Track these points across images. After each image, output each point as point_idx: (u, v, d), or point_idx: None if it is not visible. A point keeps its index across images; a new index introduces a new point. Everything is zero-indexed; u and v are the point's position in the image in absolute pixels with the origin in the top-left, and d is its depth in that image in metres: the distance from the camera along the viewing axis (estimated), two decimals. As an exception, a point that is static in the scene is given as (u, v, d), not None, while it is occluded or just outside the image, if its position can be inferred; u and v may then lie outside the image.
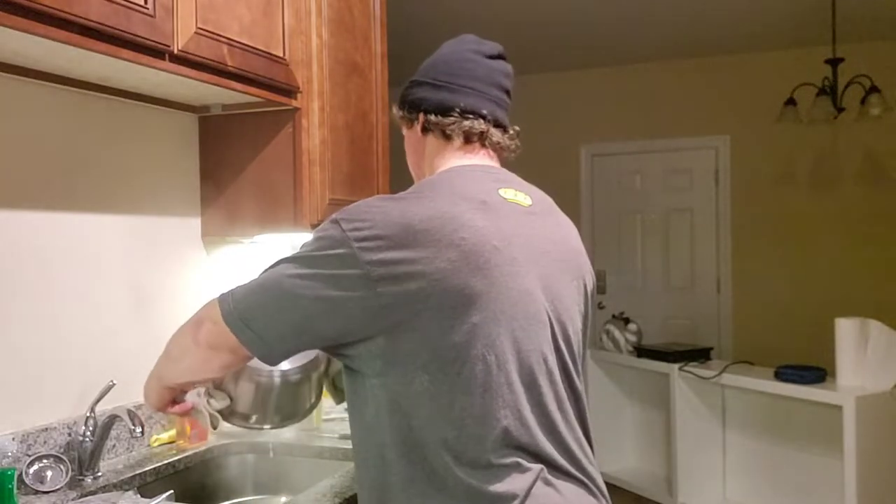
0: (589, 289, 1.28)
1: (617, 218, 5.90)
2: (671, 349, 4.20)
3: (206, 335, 1.24)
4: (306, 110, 2.02)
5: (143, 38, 1.46)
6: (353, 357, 1.10)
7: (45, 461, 1.59)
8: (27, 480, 1.55)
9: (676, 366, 4.05)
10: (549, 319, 1.14)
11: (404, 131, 1.35)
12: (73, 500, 1.55)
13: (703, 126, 5.60)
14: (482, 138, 1.26)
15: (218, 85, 1.73)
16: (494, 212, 1.13)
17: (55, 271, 1.72)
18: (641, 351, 4.36)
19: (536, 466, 1.08)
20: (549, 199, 1.30)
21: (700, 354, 4.15)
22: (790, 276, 5.36)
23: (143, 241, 1.96)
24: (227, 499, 1.95)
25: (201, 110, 2.11)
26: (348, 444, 1.93)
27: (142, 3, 1.45)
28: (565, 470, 1.12)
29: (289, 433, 2.02)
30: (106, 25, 1.37)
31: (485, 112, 1.25)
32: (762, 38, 5.06)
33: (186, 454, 1.87)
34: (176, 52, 1.56)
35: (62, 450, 1.65)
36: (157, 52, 1.52)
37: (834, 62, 4.21)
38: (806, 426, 3.69)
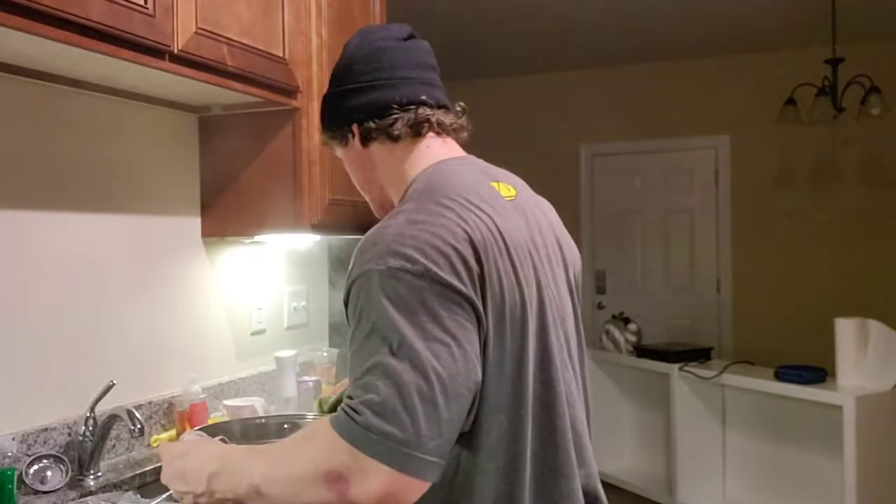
0: (575, 274, 1.19)
1: (617, 218, 5.90)
2: (671, 349, 4.20)
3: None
4: (306, 110, 2.02)
5: (143, 38, 1.46)
6: None
7: (45, 461, 1.59)
8: (27, 480, 1.55)
9: (676, 366, 4.05)
10: (555, 317, 1.08)
11: (339, 152, 1.22)
12: (73, 500, 1.55)
13: (703, 126, 5.60)
14: (432, 126, 1.13)
15: (218, 85, 1.72)
16: (500, 210, 1.05)
17: (55, 271, 1.72)
18: (641, 351, 4.36)
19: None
20: (526, 185, 1.19)
21: (700, 354, 4.15)
22: (790, 276, 5.36)
23: (143, 241, 1.96)
24: (227, 499, 1.94)
25: (201, 110, 2.11)
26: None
27: (142, 3, 1.45)
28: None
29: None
30: (106, 25, 1.37)
31: (423, 97, 1.13)
32: (762, 38, 5.06)
33: (186, 454, 1.87)
34: (176, 52, 1.55)
35: (62, 450, 1.65)
36: (157, 52, 1.52)
37: (834, 62, 4.21)
38: (806, 426, 3.69)
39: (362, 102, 1.13)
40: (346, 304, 0.99)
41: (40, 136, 1.69)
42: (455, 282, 0.92)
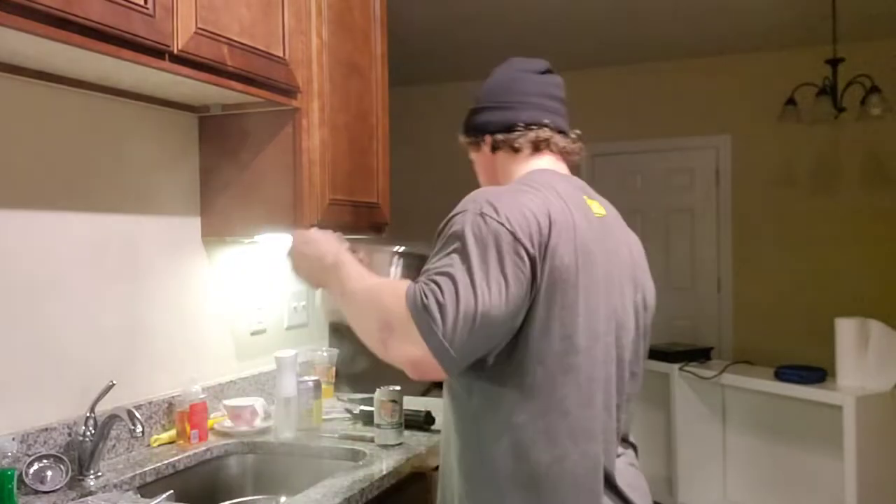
0: (644, 296, 1.38)
1: (617, 218, 5.90)
2: (671, 349, 4.20)
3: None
4: (306, 110, 2.02)
5: (143, 38, 1.46)
6: None
7: (45, 461, 1.59)
8: (27, 480, 1.55)
9: (676, 366, 4.05)
10: (616, 323, 1.27)
11: (472, 155, 1.47)
12: (73, 500, 1.55)
13: (704, 126, 5.60)
14: (548, 145, 1.38)
15: (218, 85, 1.73)
16: (588, 217, 1.27)
17: (55, 271, 1.72)
18: (641, 351, 4.35)
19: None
20: (616, 212, 1.42)
21: (700, 354, 4.15)
22: (790, 276, 5.36)
23: (143, 241, 1.96)
24: (227, 499, 1.95)
25: (201, 110, 2.11)
26: (348, 445, 1.93)
27: (142, 3, 1.45)
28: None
29: (289, 433, 2.02)
30: (106, 25, 1.37)
31: (546, 121, 1.39)
32: (762, 38, 5.06)
33: (186, 454, 1.87)
34: (176, 52, 1.56)
35: (62, 450, 1.65)
36: (157, 52, 1.52)
37: (834, 62, 4.20)
38: (806, 426, 3.69)
39: (495, 119, 1.40)
40: (439, 232, 1.22)
41: (40, 136, 1.69)
42: (525, 240, 1.15)
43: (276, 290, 2.47)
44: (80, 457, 1.66)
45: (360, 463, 1.79)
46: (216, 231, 2.14)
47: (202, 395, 1.97)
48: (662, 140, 5.74)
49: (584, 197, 1.33)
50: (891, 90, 4.35)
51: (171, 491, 1.64)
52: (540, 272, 1.16)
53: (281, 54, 1.89)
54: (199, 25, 1.61)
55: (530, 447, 1.20)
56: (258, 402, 2.08)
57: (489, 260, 1.13)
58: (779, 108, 4.48)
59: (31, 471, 1.56)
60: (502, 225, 1.15)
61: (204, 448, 1.92)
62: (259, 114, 2.03)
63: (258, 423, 2.06)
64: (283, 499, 1.89)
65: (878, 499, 3.25)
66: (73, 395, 1.72)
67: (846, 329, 3.31)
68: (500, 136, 1.39)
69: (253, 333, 2.35)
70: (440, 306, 1.11)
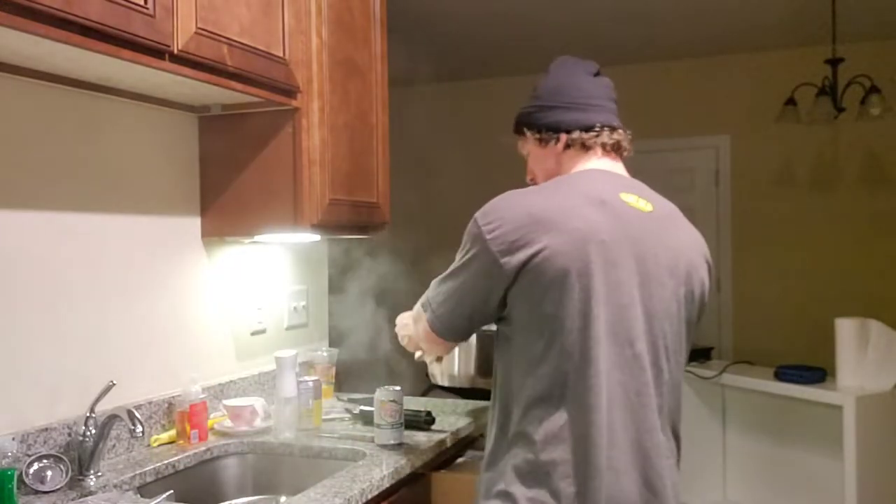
0: (696, 295, 1.45)
1: (617, 218, 5.90)
2: (671, 349, 4.19)
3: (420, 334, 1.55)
4: (306, 110, 2.02)
5: (143, 38, 1.46)
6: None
7: (45, 461, 1.59)
8: (27, 480, 1.55)
9: (676, 366, 4.04)
10: (642, 314, 1.33)
11: (533, 149, 1.54)
12: (73, 500, 1.55)
13: (704, 126, 5.59)
14: (615, 146, 1.49)
15: (218, 85, 1.73)
16: (610, 210, 1.34)
17: (55, 271, 1.72)
18: (641, 351, 4.35)
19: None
20: (675, 210, 1.52)
21: (700, 354, 4.14)
22: (790, 276, 5.35)
23: (143, 241, 1.96)
24: (227, 499, 1.95)
25: (201, 110, 2.11)
26: (348, 445, 1.93)
27: (142, 3, 1.45)
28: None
29: (289, 433, 2.02)
30: (106, 25, 1.37)
31: (615, 124, 1.51)
32: (762, 38, 5.05)
33: (186, 454, 1.87)
34: (176, 52, 1.56)
35: (62, 450, 1.65)
36: (157, 52, 1.52)
37: (834, 62, 4.20)
38: (806, 426, 3.68)
39: (570, 118, 1.48)
40: None
41: (40, 136, 1.69)
42: (495, 240, 1.30)
43: (276, 290, 2.47)
44: (80, 457, 1.66)
45: (360, 463, 1.79)
46: (216, 231, 2.14)
47: (202, 395, 1.97)
48: (662, 140, 5.73)
49: (622, 194, 1.40)
50: (890, 90, 4.34)
51: (171, 491, 1.64)
52: (513, 267, 1.30)
53: (281, 54, 1.89)
54: (199, 25, 1.61)
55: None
56: (258, 402, 2.08)
57: (461, 265, 1.38)
58: (778, 108, 4.48)
59: (31, 471, 1.56)
60: (484, 229, 1.32)
61: (204, 448, 1.92)
62: (259, 114, 2.03)
63: (258, 423, 2.06)
64: (283, 499, 1.89)
65: (878, 499, 3.25)
66: (73, 395, 1.72)
67: (846, 329, 3.31)
68: (575, 136, 1.47)
69: (253, 333, 2.35)
70: (435, 304, 1.47)
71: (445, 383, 2.01)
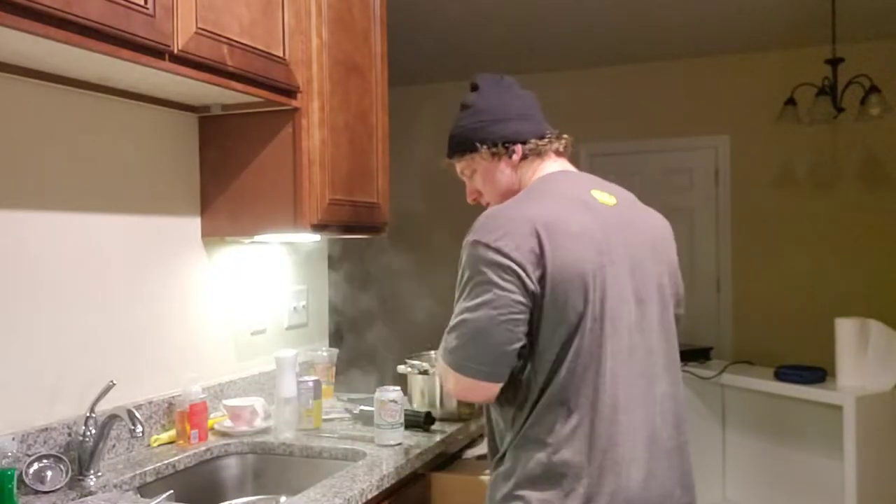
0: (672, 273, 1.48)
1: (617, 218, 5.90)
2: (671, 349, 4.19)
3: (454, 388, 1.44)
4: (306, 110, 2.02)
5: (142, 37, 1.46)
6: None
7: (45, 461, 1.60)
8: (27, 480, 1.55)
9: (676, 366, 4.04)
10: (635, 305, 1.36)
11: (486, 165, 1.52)
12: (73, 500, 1.55)
13: (703, 126, 5.59)
14: (566, 149, 1.55)
15: (218, 85, 1.73)
16: (594, 210, 1.38)
17: (55, 271, 1.72)
18: (641, 351, 4.35)
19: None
20: (632, 196, 1.53)
21: (700, 354, 4.14)
22: (790, 276, 5.35)
23: (143, 241, 1.96)
24: (227, 499, 1.95)
25: (201, 110, 2.11)
26: (348, 445, 1.93)
27: (142, 2, 1.45)
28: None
29: (289, 433, 2.02)
30: (106, 25, 1.37)
31: (557, 130, 1.55)
32: (762, 38, 5.06)
33: (186, 454, 1.87)
34: (176, 52, 1.56)
35: (62, 450, 1.65)
36: (156, 52, 1.52)
37: (834, 62, 4.20)
38: (806, 426, 3.68)
39: (525, 129, 1.50)
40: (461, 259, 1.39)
41: (40, 135, 1.69)
42: (514, 253, 1.28)
43: (276, 290, 2.47)
44: (80, 457, 1.66)
45: (360, 463, 1.79)
46: (216, 231, 2.14)
47: (202, 395, 1.97)
48: (661, 140, 5.73)
49: (592, 191, 1.43)
50: (890, 90, 4.35)
51: (171, 491, 1.64)
52: (538, 277, 1.29)
53: (281, 54, 1.89)
54: (199, 25, 1.61)
55: None
56: (258, 402, 2.08)
57: (476, 287, 1.31)
58: (778, 108, 4.48)
59: (31, 471, 1.56)
60: (488, 249, 1.30)
61: (204, 448, 1.92)
62: (259, 114, 2.03)
63: (258, 423, 2.06)
64: (283, 499, 1.89)
65: (878, 499, 3.25)
66: (73, 395, 1.72)
67: (846, 329, 3.30)
68: (531, 145, 1.49)
69: (253, 333, 2.35)
70: (453, 348, 1.38)
71: None
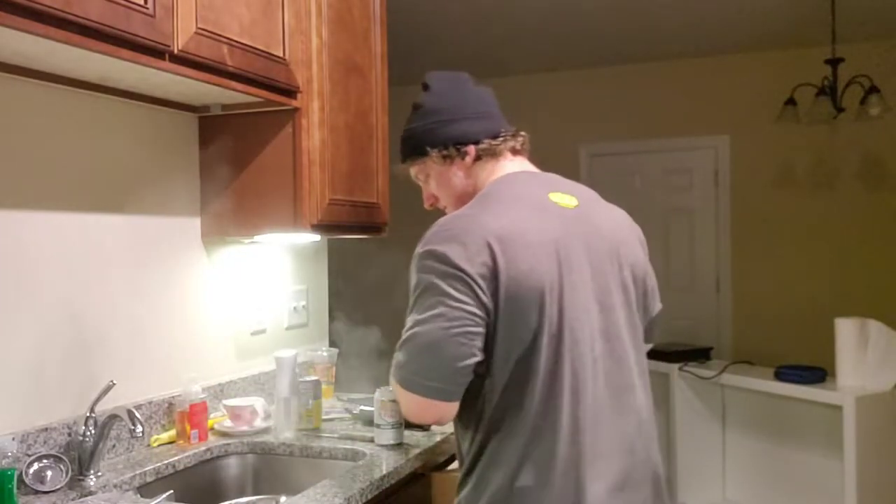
0: (637, 275, 1.40)
1: (617, 218, 5.90)
2: (671, 349, 4.19)
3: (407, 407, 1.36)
4: (306, 110, 2.02)
5: (142, 37, 1.45)
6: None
7: (45, 461, 1.59)
8: (27, 480, 1.55)
9: (676, 366, 4.05)
10: (598, 312, 1.29)
11: (439, 168, 1.45)
12: (73, 500, 1.55)
13: (703, 126, 5.59)
14: (523, 147, 1.46)
15: (218, 85, 1.73)
16: (551, 214, 1.31)
17: (55, 271, 1.72)
18: (641, 351, 4.35)
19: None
20: (594, 195, 1.45)
21: (700, 354, 4.14)
22: (790, 276, 5.35)
23: (143, 241, 1.96)
24: (227, 499, 1.94)
25: (201, 110, 2.11)
26: (348, 445, 1.93)
27: (142, 2, 1.45)
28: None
29: (289, 433, 2.02)
30: (106, 25, 1.37)
31: (514, 128, 1.46)
32: (762, 38, 5.06)
33: (186, 454, 1.87)
34: (176, 52, 1.55)
35: (62, 450, 1.65)
36: (156, 52, 1.52)
37: (834, 62, 4.20)
38: (806, 426, 3.68)
39: (476, 129, 1.42)
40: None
41: (40, 136, 1.69)
42: (465, 265, 1.20)
43: (276, 290, 2.47)
44: (80, 457, 1.66)
45: (360, 463, 1.79)
46: (216, 231, 2.14)
47: (202, 395, 1.97)
48: (661, 140, 5.73)
49: (551, 194, 1.35)
50: (890, 90, 4.35)
51: (171, 491, 1.64)
52: (491, 289, 1.22)
53: (281, 54, 1.89)
54: (199, 25, 1.61)
55: None
56: (258, 402, 2.08)
57: (429, 299, 1.23)
58: (778, 108, 4.48)
59: (31, 471, 1.56)
60: (439, 259, 1.23)
61: (204, 448, 1.92)
62: (259, 114, 2.03)
63: (258, 423, 2.06)
64: (283, 499, 1.89)
65: (877, 499, 3.25)
66: (73, 395, 1.72)
67: (846, 329, 3.31)
68: (485, 145, 1.41)
69: (253, 333, 2.35)
70: (402, 363, 1.30)
71: None
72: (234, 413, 2.05)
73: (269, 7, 1.85)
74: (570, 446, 1.22)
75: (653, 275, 1.49)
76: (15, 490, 1.46)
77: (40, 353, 1.67)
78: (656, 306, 1.51)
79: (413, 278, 1.26)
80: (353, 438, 1.98)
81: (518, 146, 1.45)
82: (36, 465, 1.58)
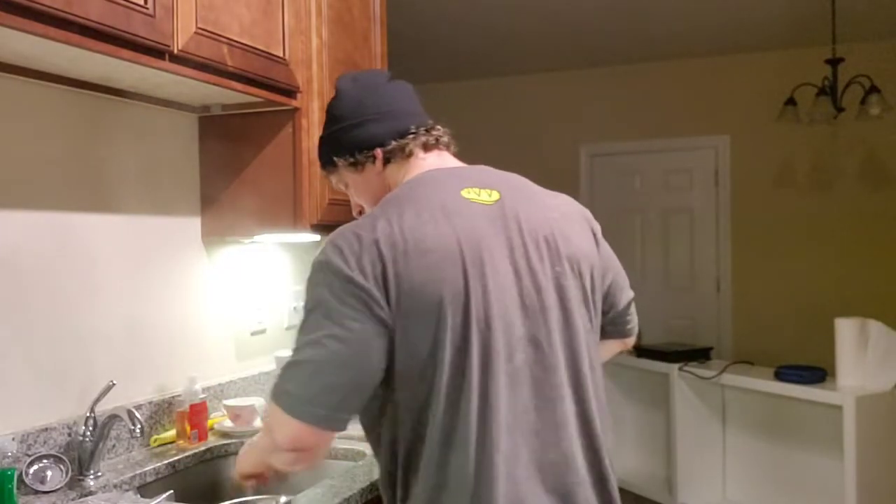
0: (582, 266, 1.24)
1: (616, 218, 5.90)
2: (671, 349, 4.20)
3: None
4: (306, 110, 2.02)
5: (142, 37, 1.46)
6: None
7: (45, 461, 1.59)
8: (27, 480, 1.55)
9: (676, 366, 4.05)
10: (522, 317, 1.16)
11: (352, 178, 1.36)
12: (73, 500, 1.55)
13: (703, 126, 5.60)
14: (437, 143, 1.33)
15: (218, 85, 1.73)
16: (457, 215, 1.17)
17: (54, 271, 1.72)
18: (641, 351, 4.35)
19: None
20: (524, 183, 1.30)
21: (700, 354, 4.15)
22: (790, 276, 5.36)
23: (143, 241, 1.96)
24: (227, 499, 1.94)
25: (201, 110, 2.11)
26: (348, 444, 1.93)
27: (142, 2, 1.45)
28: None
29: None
30: (106, 25, 1.37)
31: (429, 122, 1.34)
32: (762, 38, 5.06)
33: (186, 454, 1.87)
34: (176, 52, 1.56)
35: (62, 450, 1.65)
36: (156, 52, 1.52)
37: (834, 62, 4.20)
38: (806, 426, 3.68)
39: (382, 131, 1.31)
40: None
41: (40, 136, 1.69)
42: (358, 277, 1.10)
43: (276, 290, 2.47)
44: (80, 457, 1.66)
45: (360, 463, 1.79)
46: (216, 231, 2.14)
47: (202, 395, 1.97)
48: (661, 140, 5.74)
49: (462, 192, 1.22)
50: (890, 90, 4.35)
51: (171, 491, 1.64)
52: (386, 301, 1.11)
53: (281, 54, 1.89)
54: (199, 25, 1.61)
55: None
56: (258, 402, 2.08)
57: (322, 314, 1.11)
58: (778, 108, 4.49)
59: (31, 471, 1.56)
60: (331, 271, 1.12)
61: (204, 448, 1.92)
62: (259, 114, 2.03)
63: (258, 423, 2.06)
64: (283, 499, 1.89)
65: (877, 499, 3.25)
66: (73, 395, 1.72)
67: (846, 329, 3.31)
68: (392, 146, 1.30)
69: (253, 333, 2.35)
70: (285, 379, 1.17)
71: None
72: (234, 413, 2.05)
73: (269, 7, 1.85)
74: (483, 469, 1.09)
75: (612, 265, 1.35)
76: (15, 490, 1.46)
77: (40, 353, 1.67)
78: (622, 297, 1.37)
79: (306, 292, 1.15)
80: (353, 438, 1.98)
81: (432, 141, 1.32)
82: (36, 465, 1.58)
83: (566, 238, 1.24)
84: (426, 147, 1.32)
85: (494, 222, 1.19)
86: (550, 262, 1.21)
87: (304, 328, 1.13)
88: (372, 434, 1.21)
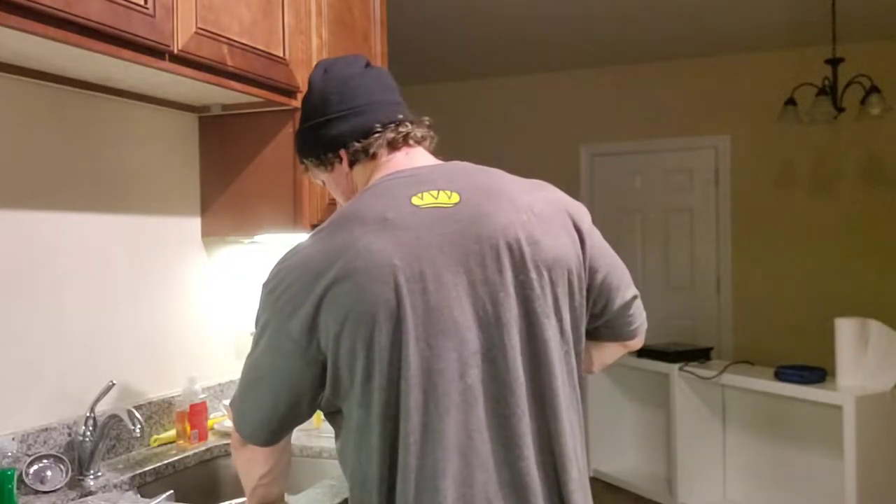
0: (554, 274, 1.12)
1: (617, 218, 5.90)
2: (671, 349, 4.20)
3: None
4: (306, 110, 2.02)
5: (143, 38, 1.46)
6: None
7: (45, 461, 1.60)
8: (27, 480, 1.55)
9: (676, 366, 4.05)
10: (477, 330, 1.08)
11: (324, 176, 1.31)
12: (73, 500, 1.55)
13: (703, 126, 5.60)
14: (406, 140, 1.24)
15: (218, 85, 1.73)
16: (398, 227, 1.08)
17: (55, 271, 1.72)
18: (641, 351, 4.35)
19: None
20: (493, 185, 1.16)
21: (700, 354, 4.15)
22: (790, 276, 5.36)
23: (143, 241, 1.96)
24: (227, 499, 1.94)
25: (201, 110, 2.11)
26: (348, 444, 1.93)
27: (142, 2, 1.45)
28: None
29: (289, 433, 2.02)
30: (106, 25, 1.37)
31: (400, 116, 1.24)
32: (762, 38, 5.06)
33: (186, 454, 1.87)
34: (176, 52, 1.56)
35: (62, 450, 1.65)
36: (157, 52, 1.52)
37: (834, 62, 4.21)
38: (806, 426, 3.69)
39: (347, 129, 1.23)
40: None
41: (40, 136, 1.69)
42: (285, 321, 1.09)
43: (275, 290, 2.46)
44: (80, 457, 1.66)
45: (360, 463, 1.79)
46: (216, 231, 2.14)
47: (202, 395, 1.97)
48: (662, 140, 5.74)
49: (414, 198, 1.13)
50: (890, 90, 4.35)
51: (171, 491, 1.64)
52: (321, 325, 1.08)
53: (281, 54, 1.89)
54: (199, 25, 1.61)
55: None
56: (258, 402, 2.08)
57: (262, 337, 1.15)
58: (778, 108, 4.49)
59: (31, 471, 1.56)
60: (272, 294, 1.12)
61: (204, 448, 1.92)
62: (259, 114, 2.03)
63: (258, 423, 2.06)
64: (282, 499, 1.89)
65: (877, 499, 3.25)
66: (73, 395, 1.72)
67: (846, 329, 3.31)
68: (356, 146, 1.22)
69: (253, 333, 2.35)
70: (234, 400, 1.25)
71: None
72: (234, 413, 2.05)
73: (269, 7, 1.85)
74: (425, 493, 1.03)
75: (603, 263, 1.21)
76: (15, 490, 1.46)
77: (41, 353, 1.67)
78: (616, 297, 1.23)
79: (258, 308, 1.16)
80: (353, 438, 1.98)
81: (400, 138, 1.23)
82: (36, 465, 1.58)
83: (534, 242, 1.12)
84: (393, 145, 1.23)
85: (447, 229, 1.09)
86: (513, 271, 1.10)
87: (253, 344, 1.18)
88: (340, 456, 1.17)
